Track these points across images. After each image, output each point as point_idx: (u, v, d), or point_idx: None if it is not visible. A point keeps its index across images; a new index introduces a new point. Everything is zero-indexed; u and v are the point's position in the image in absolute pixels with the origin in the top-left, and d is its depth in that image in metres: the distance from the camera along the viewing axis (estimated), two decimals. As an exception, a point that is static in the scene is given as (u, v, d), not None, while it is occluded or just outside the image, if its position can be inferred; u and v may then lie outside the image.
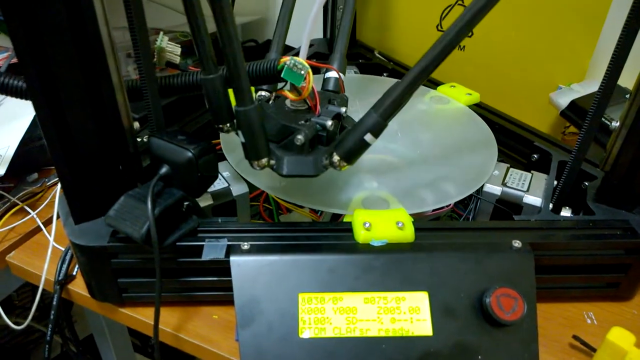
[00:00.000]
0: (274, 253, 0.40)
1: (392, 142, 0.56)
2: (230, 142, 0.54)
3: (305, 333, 0.38)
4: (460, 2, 0.74)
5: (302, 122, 0.42)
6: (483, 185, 0.51)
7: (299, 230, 0.43)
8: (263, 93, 0.49)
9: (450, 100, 0.66)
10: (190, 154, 0.40)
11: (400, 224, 0.42)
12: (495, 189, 0.51)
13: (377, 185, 0.50)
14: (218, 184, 0.49)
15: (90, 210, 0.43)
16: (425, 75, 0.39)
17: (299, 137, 0.40)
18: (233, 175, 0.51)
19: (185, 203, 0.42)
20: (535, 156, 0.57)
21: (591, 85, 0.65)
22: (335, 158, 0.41)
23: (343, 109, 0.44)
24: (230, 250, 0.41)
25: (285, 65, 0.41)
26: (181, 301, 0.45)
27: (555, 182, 0.51)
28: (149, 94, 0.42)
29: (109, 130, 0.40)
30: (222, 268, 0.40)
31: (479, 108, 0.64)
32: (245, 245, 0.41)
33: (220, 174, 0.51)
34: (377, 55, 0.82)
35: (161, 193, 0.41)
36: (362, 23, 0.85)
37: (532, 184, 0.51)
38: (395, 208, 0.45)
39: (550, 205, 0.49)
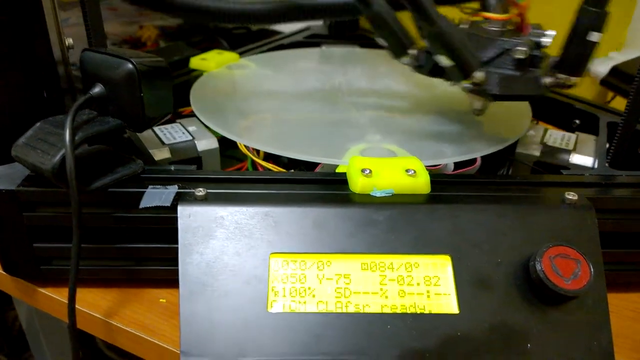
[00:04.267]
0: (239, 202, 0.29)
1: (399, 101, 0.46)
2: (200, 94, 0.45)
3: (276, 306, 0.27)
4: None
5: (516, 38, 0.35)
6: (517, 144, 0.40)
7: (275, 180, 0.33)
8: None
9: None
10: (130, 66, 0.30)
11: (411, 172, 0.31)
12: (532, 149, 0.40)
13: (381, 138, 0.39)
14: (179, 136, 0.39)
15: (3, 151, 0.32)
16: None
17: (521, 48, 0.34)
18: (201, 130, 0.41)
19: (125, 135, 0.32)
20: (577, 121, 0.46)
21: (631, 54, 0.55)
22: (561, 75, 0.35)
23: (551, 32, 0.37)
24: (180, 197, 0.30)
25: None
26: (118, 278, 0.34)
27: (607, 145, 0.40)
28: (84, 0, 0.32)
29: (27, 40, 0.30)
30: (172, 229, 0.29)
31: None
32: (201, 192, 0.30)
33: (183, 127, 0.40)
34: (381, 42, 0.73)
35: (91, 121, 0.31)
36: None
37: (578, 144, 0.40)
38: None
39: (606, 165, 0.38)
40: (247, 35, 0.76)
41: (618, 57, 0.56)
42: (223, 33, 0.75)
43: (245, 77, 0.52)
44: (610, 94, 0.56)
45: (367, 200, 0.30)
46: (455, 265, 0.28)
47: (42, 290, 0.34)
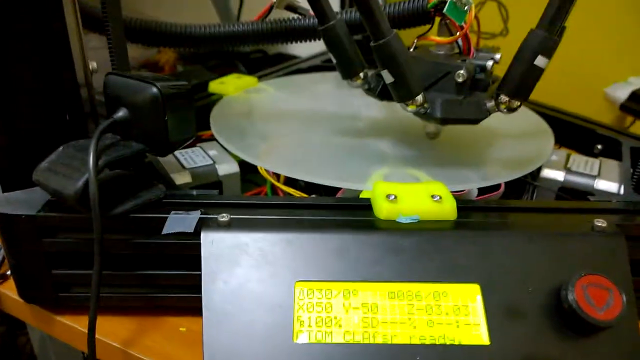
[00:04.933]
0: (263, 229, 0.29)
1: (419, 125, 0.46)
2: (220, 118, 0.45)
3: (302, 337, 0.26)
4: (491, -1, 0.66)
5: (458, 62, 0.36)
6: (540, 170, 0.40)
7: (299, 206, 0.32)
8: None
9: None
10: (155, 90, 0.30)
11: (436, 197, 0.31)
12: (556, 174, 0.39)
13: (403, 163, 0.39)
14: (200, 160, 0.39)
15: (24, 175, 0.32)
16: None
17: (461, 72, 0.35)
18: (221, 154, 0.40)
19: (146, 160, 0.32)
20: (600, 146, 0.46)
21: (653, 78, 0.55)
22: (503, 97, 0.33)
23: (497, 56, 0.37)
24: (202, 223, 0.29)
25: (449, 0, 0.35)
26: (137, 306, 0.33)
27: (632, 170, 0.40)
28: (110, 25, 0.32)
29: (51, 64, 0.30)
30: (194, 256, 0.29)
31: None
32: (224, 217, 0.29)
33: (204, 151, 0.40)
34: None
35: (115, 145, 0.31)
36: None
37: (602, 170, 0.40)
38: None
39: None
40: (264, 60, 0.77)
41: (637, 82, 0.55)
42: (240, 57, 0.75)
43: (263, 101, 0.52)
44: (630, 119, 0.56)
45: (393, 227, 0.30)
46: (485, 293, 0.27)
47: (59, 318, 0.34)
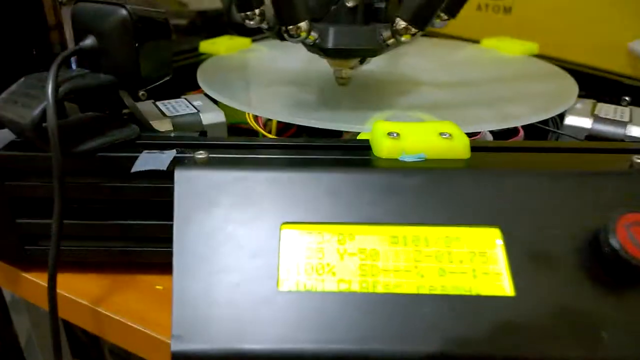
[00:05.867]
0: (247, 167, 0.25)
1: (427, 75, 0.42)
2: (208, 71, 0.41)
3: (288, 284, 0.22)
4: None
5: None
6: (564, 117, 0.35)
7: (289, 146, 0.28)
8: None
9: (499, 53, 0.51)
10: (124, 12, 0.26)
11: (446, 135, 0.27)
12: (583, 122, 0.35)
13: (410, 106, 0.34)
14: (182, 109, 0.35)
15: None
16: None
17: None
18: (207, 104, 0.37)
19: (124, 111, 0.28)
20: (628, 98, 0.41)
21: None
22: (400, 24, 0.29)
23: None
24: (177, 162, 0.26)
25: None
26: (109, 261, 0.30)
27: (667, 118, 0.35)
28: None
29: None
30: (170, 203, 0.25)
31: (541, 59, 0.49)
32: (202, 154, 0.25)
33: (189, 102, 0.36)
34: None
35: (81, 77, 0.27)
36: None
37: (633, 116, 0.35)
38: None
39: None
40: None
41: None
42: (237, 27, 0.72)
43: (256, 59, 0.49)
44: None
45: (395, 165, 0.26)
46: (506, 239, 0.23)
47: (26, 275, 0.30)
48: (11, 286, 0.32)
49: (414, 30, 0.30)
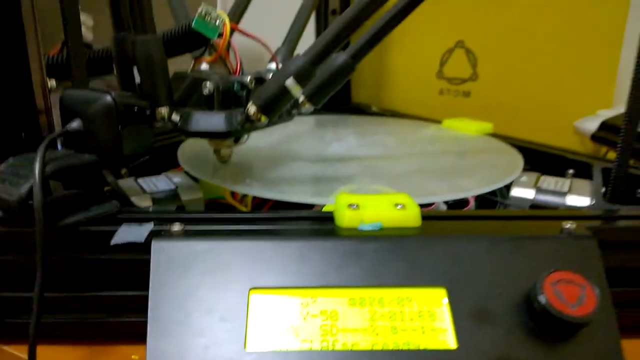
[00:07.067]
0: (218, 238, 0.28)
1: (390, 149, 0.46)
2: (188, 149, 0.45)
3: (254, 345, 0.24)
4: (461, 45, 0.68)
5: (205, 75, 0.36)
6: (510, 189, 0.39)
7: (259, 219, 0.31)
8: None
9: (458, 132, 0.56)
10: (109, 99, 0.30)
11: (400, 206, 0.30)
12: (526, 193, 0.39)
13: (370, 180, 0.38)
14: (162, 186, 0.38)
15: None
16: (365, 15, 0.32)
17: (207, 83, 0.35)
18: (186, 181, 0.40)
19: (106, 188, 0.31)
20: (571, 171, 0.45)
21: (620, 110, 0.56)
22: (251, 109, 0.33)
23: (267, 71, 0.38)
24: (154, 234, 0.28)
25: (197, 15, 0.34)
26: (85, 333, 0.31)
27: (603, 187, 0.39)
28: (70, 39, 0.32)
29: (8, 79, 0.30)
30: (146, 274, 0.27)
31: (494, 137, 0.54)
32: (177, 227, 0.28)
33: (168, 178, 0.39)
34: (374, 110, 0.75)
35: (66, 156, 0.30)
36: (358, 85, 0.80)
37: (573, 187, 0.39)
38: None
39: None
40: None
41: (606, 114, 0.56)
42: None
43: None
44: (603, 151, 0.56)
45: (354, 234, 0.28)
46: (452, 297, 0.26)
47: (6, 348, 0.31)
48: (-11, 359, 0.33)
49: (262, 117, 0.34)
